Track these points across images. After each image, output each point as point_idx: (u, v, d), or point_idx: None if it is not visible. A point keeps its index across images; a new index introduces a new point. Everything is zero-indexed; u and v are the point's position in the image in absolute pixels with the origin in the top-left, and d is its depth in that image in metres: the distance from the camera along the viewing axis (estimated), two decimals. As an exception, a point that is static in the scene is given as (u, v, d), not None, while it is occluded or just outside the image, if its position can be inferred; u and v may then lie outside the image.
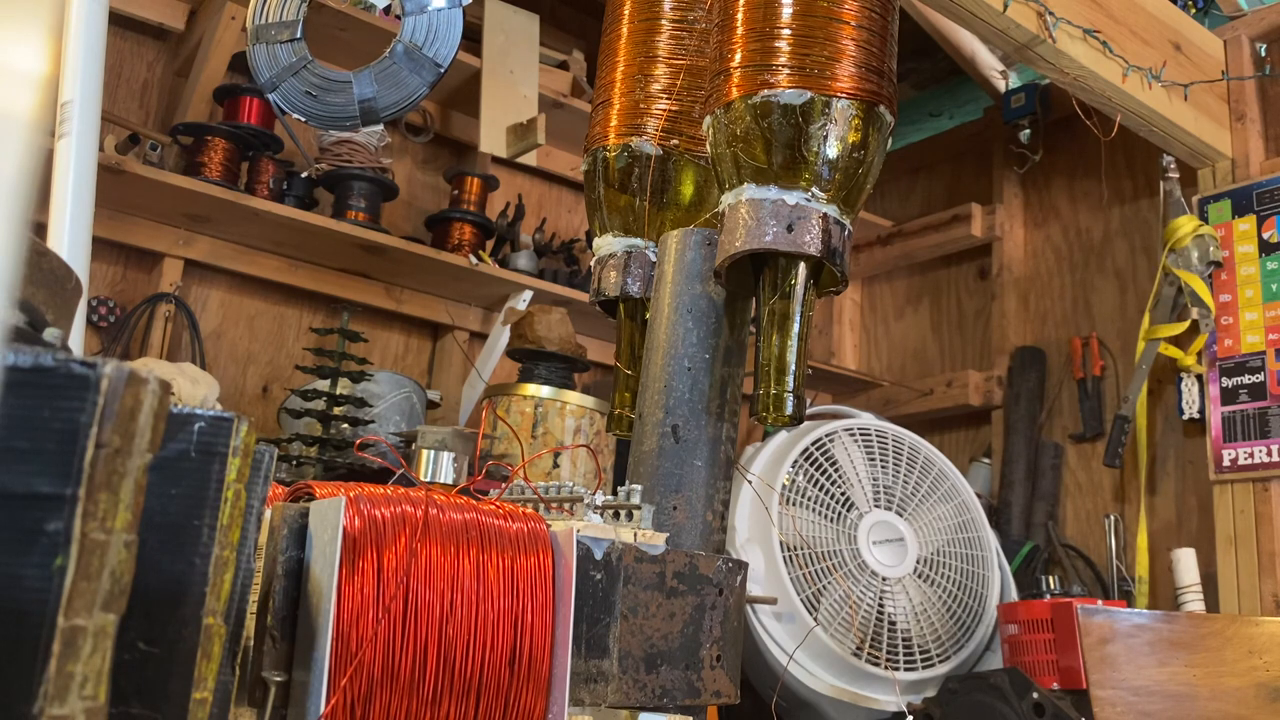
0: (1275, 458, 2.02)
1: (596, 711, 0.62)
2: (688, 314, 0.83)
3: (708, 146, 0.85)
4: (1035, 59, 1.84)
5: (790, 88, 0.78)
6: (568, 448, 1.90)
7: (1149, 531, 2.28)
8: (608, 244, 1.00)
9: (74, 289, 0.47)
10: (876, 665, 1.68)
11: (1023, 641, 1.55)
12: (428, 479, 1.50)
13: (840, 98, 0.78)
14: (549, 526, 0.62)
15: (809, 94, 0.77)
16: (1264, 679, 1.50)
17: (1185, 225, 2.19)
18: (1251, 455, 2.06)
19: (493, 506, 0.61)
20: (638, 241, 0.98)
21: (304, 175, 2.11)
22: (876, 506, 1.81)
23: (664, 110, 0.97)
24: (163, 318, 2.03)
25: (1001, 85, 2.77)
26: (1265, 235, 2.14)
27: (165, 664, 0.41)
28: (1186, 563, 2.08)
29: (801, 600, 1.66)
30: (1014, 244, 2.79)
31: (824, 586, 1.69)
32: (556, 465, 1.89)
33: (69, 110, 1.09)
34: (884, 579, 1.74)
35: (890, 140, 0.83)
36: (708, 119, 0.84)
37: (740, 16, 0.82)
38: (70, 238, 1.07)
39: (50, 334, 0.43)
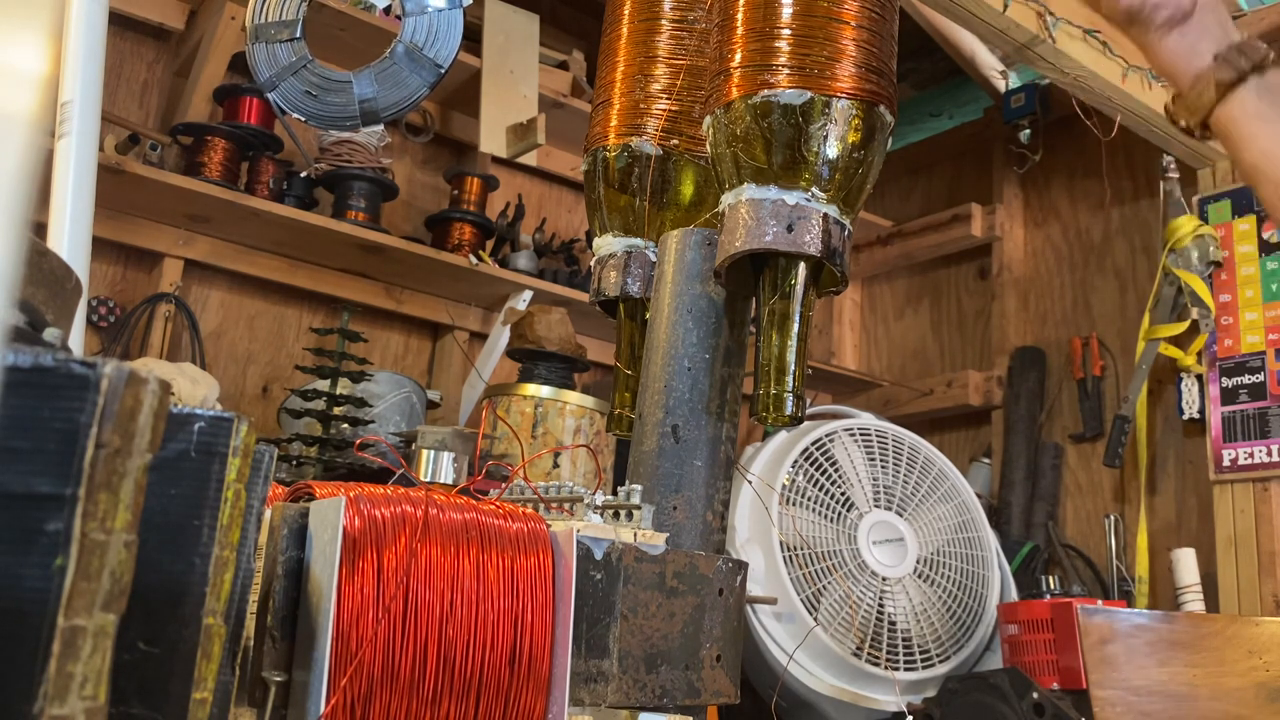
0: (1275, 458, 2.02)
1: (596, 711, 0.62)
2: (688, 314, 0.83)
3: (708, 146, 0.85)
4: (1035, 59, 1.84)
5: (790, 88, 0.78)
6: (568, 448, 1.90)
7: (1149, 531, 2.28)
8: (608, 244, 1.00)
9: (74, 289, 0.47)
10: (876, 665, 1.68)
11: (1023, 641, 1.55)
12: (428, 479, 1.50)
13: (840, 98, 0.78)
14: (549, 526, 0.62)
15: (809, 94, 0.77)
16: (1264, 679, 1.50)
17: (1185, 225, 2.19)
18: (1251, 455, 2.06)
19: (493, 506, 0.61)
20: (638, 241, 0.98)
21: (304, 175, 2.11)
22: (876, 506, 1.81)
23: (664, 110, 0.97)
24: (163, 318, 2.03)
25: (1001, 85, 2.77)
26: (1265, 235, 2.14)
27: (165, 664, 0.41)
28: (1186, 563, 2.08)
29: (801, 600, 1.66)
30: (1014, 244, 2.79)
31: (824, 586, 1.69)
32: (556, 465, 1.89)
33: (69, 110, 1.09)
34: (884, 579, 1.74)
35: (890, 140, 0.83)
36: (708, 119, 0.84)
37: (740, 16, 0.82)
38: (70, 238, 1.07)
39: (50, 334, 0.43)
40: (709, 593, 0.69)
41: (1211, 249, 2.17)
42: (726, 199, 0.81)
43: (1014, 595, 1.93)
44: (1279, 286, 2.09)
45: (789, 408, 0.77)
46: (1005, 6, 1.71)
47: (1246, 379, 2.10)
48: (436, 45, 1.01)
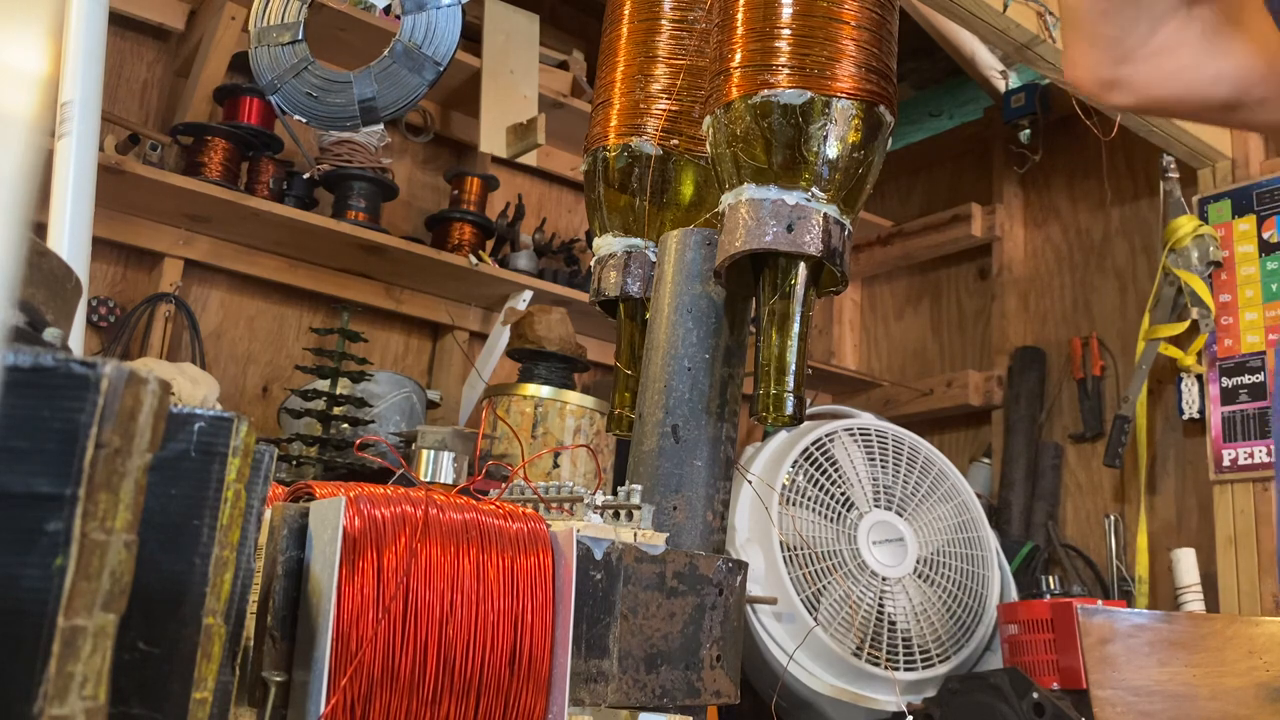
0: (1275, 458, 2.02)
1: (596, 711, 0.62)
2: (688, 314, 0.83)
3: (708, 146, 0.85)
4: (1035, 59, 1.84)
5: (790, 88, 0.78)
6: (568, 448, 1.90)
7: (1149, 531, 2.28)
8: (608, 244, 1.00)
9: (74, 289, 0.47)
10: (876, 665, 1.68)
11: (1023, 641, 1.55)
12: (428, 479, 1.50)
13: (840, 98, 0.78)
14: (549, 526, 0.62)
15: (809, 94, 0.77)
16: (1264, 679, 1.50)
17: (1185, 225, 2.19)
18: (1251, 455, 2.06)
19: (493, 506, 0.61)
20: (638, 241, 0.98)
21: (304, 175, 2.11)
22: (876, 506, 1.81)
23: (664, 110, 0.97)
24: (163, 318, 2.03)
25: (1001, 85, 2.77)
26: (1265, 235, 2.14)
27: (165, 664, 0.41)
28: (1186, 563, 2.08)
29: (801, 600, 1.66)
30: (1014, 244, 2.79)
31: (824, 586, 1.69)
32: (556, 465, 1.89)
33: (69, 110, 1.09)
34: (884, 579, 1.74)
35: (890, 140, 0.83)
36: (708, 119, 0.84)
37: (740, 16, 0.82)
38: (70, 238, 1.07)
39: (50, 334, 0.43)
40: (709, 593, 0.69)
41: (1211, 249, 2.17)
42: (726, 199, 0.81)
43: (1014, 595, 1.93)
44: (1279, 286, 2.09)
45: (789, 408, 0.77)
46: (1005, 6, 1.71)
47: (1246, 379, 2.10)
48: (435, 42, 1.01)
